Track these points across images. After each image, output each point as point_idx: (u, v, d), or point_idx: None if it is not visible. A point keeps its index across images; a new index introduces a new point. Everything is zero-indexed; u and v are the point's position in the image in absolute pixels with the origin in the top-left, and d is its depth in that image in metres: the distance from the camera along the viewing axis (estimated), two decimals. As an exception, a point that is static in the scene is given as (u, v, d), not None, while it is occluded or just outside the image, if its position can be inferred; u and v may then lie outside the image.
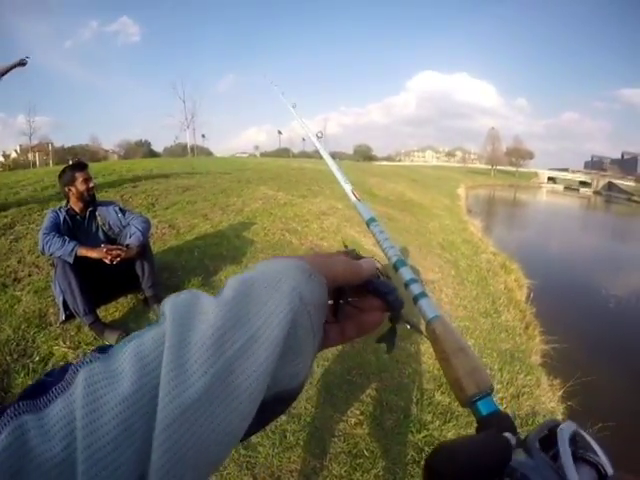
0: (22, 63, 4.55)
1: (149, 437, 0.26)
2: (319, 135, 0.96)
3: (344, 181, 0.75)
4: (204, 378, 0.27)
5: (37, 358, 2.57)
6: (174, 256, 4.12)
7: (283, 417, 2.52)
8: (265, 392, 0.31)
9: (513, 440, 0.35)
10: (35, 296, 3.14)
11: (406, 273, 0.50)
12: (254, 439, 2.34)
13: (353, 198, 0.70)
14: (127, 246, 3.02)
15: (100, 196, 5.56)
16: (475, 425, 0.38)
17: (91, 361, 0.29)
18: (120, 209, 3.32)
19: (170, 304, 0.32)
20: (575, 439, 0.34)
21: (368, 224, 0.64)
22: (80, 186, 3.07)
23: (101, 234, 3.19)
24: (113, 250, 2.84)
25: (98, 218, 3.20)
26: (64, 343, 2.70)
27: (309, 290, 0.34)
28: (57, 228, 2.91)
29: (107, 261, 2.79)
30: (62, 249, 2.72)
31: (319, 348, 0.39)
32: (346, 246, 0.58)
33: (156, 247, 4.21)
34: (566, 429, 0.34)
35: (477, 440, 0.36)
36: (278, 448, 2.30)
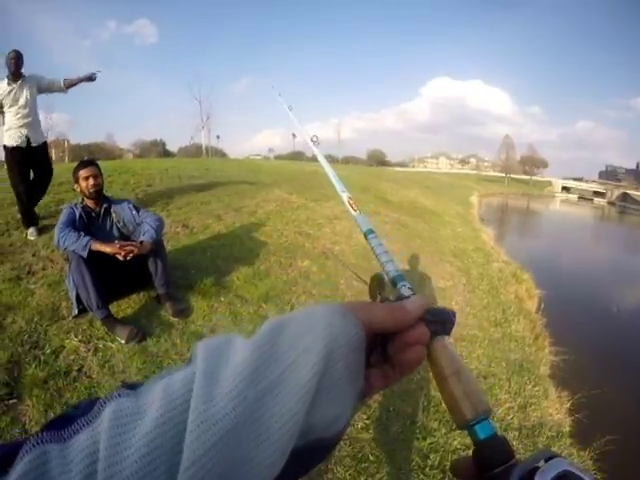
0: (92, 78, 4.61)
1: (174, 473, 0.25)
2: (314, 140, 0.95)
3: (341, 189, 0.73)
4: (233, 413, 0.27)
5: (48, 350, 2.62)
6: (187, 255, 4.17)
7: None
8: (299, 437, 0.30)
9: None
10: (49, 289, 3.21)
11: (404, 289, 0.49)
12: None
13: (350, 209, 0.69)
14: (141, 243, 3.10)
15: (114, 194, 5.66)
16: (472, 448, 0.38)
17: (119, 396, 0.30)
18: (134, 206, 3.43)
19: (203, 345, 0.32)
20: (567, 477, 0.33)
21: (366, 236, 0.63)
22: (82, 183, 3.22)
23: (115, 231, 3.29)
24: (127, 246, 2.91)
25: (113, 215, 3.31)
26: (76, 337, 2.76)
27: (344, 330, 0.33)
28: (73, 224, 3.01)
29: (120, 257, 2.86)
30: (76, 243, 2.81)
31: (361, 395, 0.37)
32: (380, 293, 0.54)
33: (169, 246, 4.27)
34: (550, 469, 0.33)
35: None
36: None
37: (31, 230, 4.24)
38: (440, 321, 0.43)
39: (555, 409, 3.45)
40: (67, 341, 2.72)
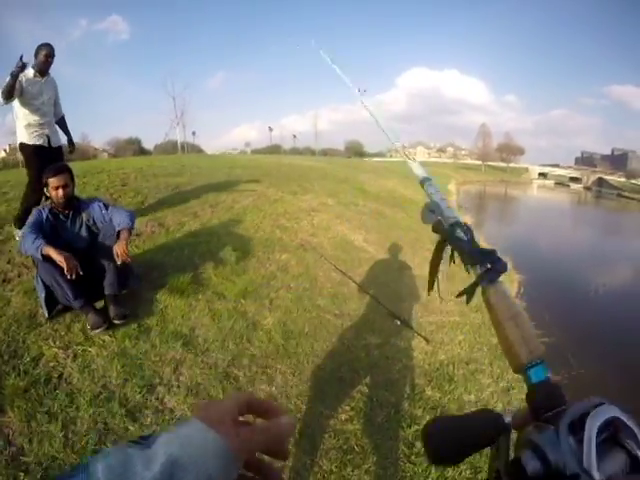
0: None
1: None
2: (360, 90, 0.99)
3: (394, 139, 0.76)
4: None
5: (28, 359, 2.54)
6: (164, 255, 4.09)
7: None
8: None
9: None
10: (25, 297, 3.10)
11: (462, 235, 0.54)
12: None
13: (406, 158, 0.73)
14: (118, 233, 3.07)
15: (88, 195, 5.52)
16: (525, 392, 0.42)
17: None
18: (104, 204, 3.35)
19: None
20: (615, 423, 0.34)
21: (422, 183, 0.67)
22: (52, 192, 3.10)
23: (85, 231, 3.23)
24: (71, 263, 2.70)
25: (83, 214, 3.25)
26: (54, 343, 2.68)
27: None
28: (39, 227, 2.94)
29: (65, 270, 2.69)
30: (32, 246, 2.73)
31: None
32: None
33: (146, 245, 4.19)
34: (600, 414, 0.34)
35: (465, 418, 0.38)
36: (268, 445, 2.30)
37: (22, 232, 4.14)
38: (495, 269, 0.47)
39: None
40: (46, 348, 2.64)
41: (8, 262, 3.63)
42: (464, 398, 3.10)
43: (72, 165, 3.47)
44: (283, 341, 3.24)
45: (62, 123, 4.48)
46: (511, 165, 72.35)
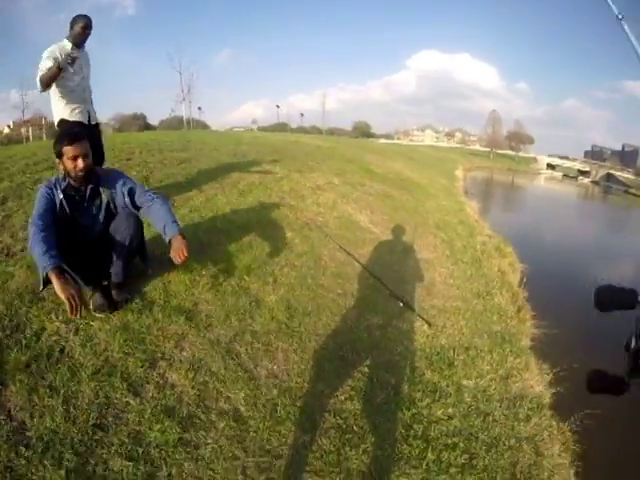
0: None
1: None
2: None
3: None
4: None
5: (30, 333, 2.52)
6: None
7: (274, 391, 2.54)
8: None
9: None
10: (28, 271, 3.06)
11: None
12: (245, 413, 2.35)
13: None
14: (169, 242, 2.74)
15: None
16: None
17: None
18: (129, 191, 2.87)
19: None
20: None
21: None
22: (68, 163, 2.63)
23: (103, 213, 2.84)
24: (75, 302, 2.23)
25: (103, 194, 2.81)
26: (56, 317, 2.65)
27: None
28: (51, 214, 2.59)
29: (68, 312, 2.28)
30: (39, 259, 2.32)
31: None
32: None
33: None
34: None
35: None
36: (268, 422, 2.32)
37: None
38: None
39: (536, 381, 3.51)
40: (48, 323, 2.63)
41: (11, 236, 3.59)
42: (463, 383, 3.11)
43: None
44: (286, 319, 3.24)
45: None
46: (520, 154, 71.53)
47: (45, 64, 3.63)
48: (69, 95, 3.85)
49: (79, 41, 3.85)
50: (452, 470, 2.32)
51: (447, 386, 3.02)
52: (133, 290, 3.06)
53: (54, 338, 2.52)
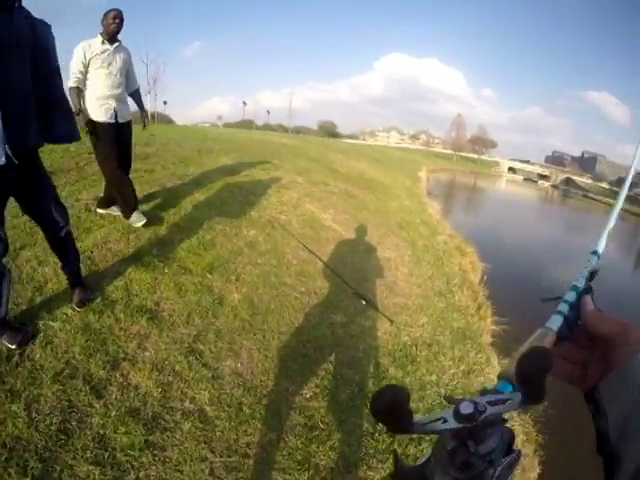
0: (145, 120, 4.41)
1: None
2: None
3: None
4: None
5: None
6: (129, 226, 3.97)
7: (239, 390, 2.53)
8: None
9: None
10: None
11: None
12: (210, 413, 2.33)
13: None
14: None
15: (52, 164, 5.29)
16: None
17: None
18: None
19: None
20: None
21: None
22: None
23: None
24: None
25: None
26: (14, 318, 2.53)
27: None
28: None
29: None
30: None
31: None
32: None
33: (112, 216, 4.06)
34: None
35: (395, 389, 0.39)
36: (234, 421, 2.31)
37: (134, 216, 3.96)
38: None
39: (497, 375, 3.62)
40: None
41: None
42: (425, 379, 3.19)
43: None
44: (249, 317, 3.23)
45: (136, 96, 4.16)
46: (482, 157, 73.56)
47: (77, 66, 3.58)
48: (95, 91, 3.70)
49: (112, 34, 3.68)
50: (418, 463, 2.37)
51: (411, 382, 3.09)
52: (94, 289, 2.98)
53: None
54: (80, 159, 5.74)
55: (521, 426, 3.15)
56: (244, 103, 70.30)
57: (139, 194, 4.71)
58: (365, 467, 2.29)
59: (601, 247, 0.63)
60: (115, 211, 4.07)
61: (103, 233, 3.71)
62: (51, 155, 5.68)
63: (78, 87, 3.62)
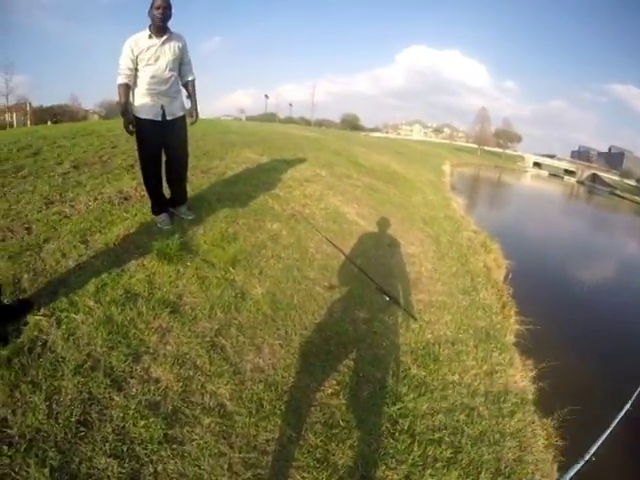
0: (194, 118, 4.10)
1: None
2: None
3: None
4: None
5: (11, 327, 2.42)
6: (152, 219, 3.99)
7: (260, 386, 2.51)
8: None
9: None
10: (9, 261, 2.97)
11: None
12: (230, 408, 2.32)
13: None
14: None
15: (77, 157, 5.37)
16: None
17: None
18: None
19: None
20: None
21: None
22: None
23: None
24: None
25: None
26: (38, 310, 2.57)
27: None
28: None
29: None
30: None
31: None
32: None
33: (135, 209, 4.08)
34: None
35: None
36: (254, 417, 2.29)
37: (162, 217, 3.94)
38: None
39: (520, 377, 3.55)
40: (30, 315, 2.54)
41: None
42: (448, 378, 3.13)
43: (61, 127, 3.30)
44: (272, 312, 3.21)
45: (189, 88, 3.92)
46: (507, 152, 72.15)
47: (124, 62, 3.46)
48: (141, 88, 3.58)
49: (159, 25, 3.50)
50: (438, 465, 2.33)
51: (432, 381, 3.03)
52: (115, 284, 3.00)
53: (36, 332, 2.44)
54: (104, 153, 5.80)
55: (543, 430, 3.07)
56: (266, 96, 70.44)
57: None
58: (384, 467, 2.25)
59: None
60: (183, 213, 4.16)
61: (126, 226, 3.74)
62: (75, 149, 5.77)
63: (126, 84, 3.49)
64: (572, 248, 12.72)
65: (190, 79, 3.89)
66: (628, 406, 2.80)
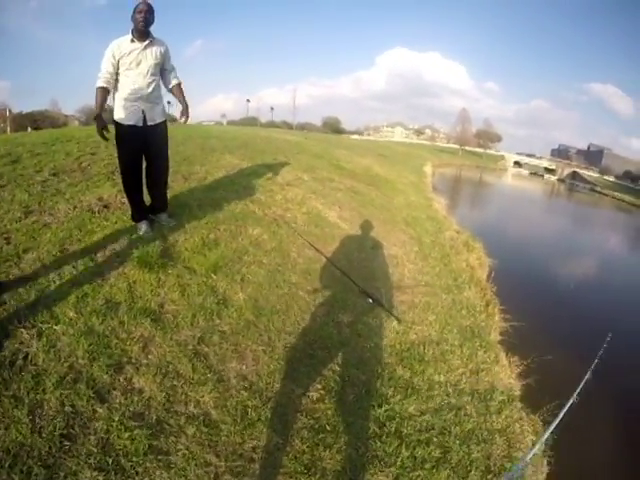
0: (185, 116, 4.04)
1: None
2: None
3: None
4: None
5: None
6: (132, 226, 3.94)
7: (244, 393, 2.49)
8: None
9: None
10: None
11: None
12: (215, 416, 2.30)
13: None
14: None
15: (57, 164, 5.28)
16: None
17: None
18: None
19: None
20: None
21: None
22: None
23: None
24: None
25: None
26: (19, 322, 2.50)
27: None
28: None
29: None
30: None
31: None
32: None
33: (114, 217, 4.03)
34: None
35: None
36: (239, 425, 2.27)
37: (142, 225, 3.87)
38: None
39: (506, 374, 3.59)
40: (10, 327, 2.48)
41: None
42: (434, 378, 3.14)
43: (41, 133, 3.24)
44: (254, 318, 3.19)
45: (176, 91, 3.90)
46: (488, 151, 73.07)
47: (105, 65, 3.45)
48: (122, 92, 3.55)
49: (141, 29, 3.47)
50: (427, 465, 2.34)
51: (419, 382, 3.04)
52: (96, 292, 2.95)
53: (17, 345, 2.38)
54: (83, 160, 5.72)
55: (530, 425, 3.10)
56: (248, 100, 70.40)
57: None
58: (373, 470, 2.26)
59: None
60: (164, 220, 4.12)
61: (107, 234, 3.68)
62: (54, 156, 5.68)
63: (104, 88, 3.46)
64: (554, 245, 12.92)
65: (175, 83, 3.88)
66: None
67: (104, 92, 3.47)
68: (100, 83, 3.44)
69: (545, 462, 2.91)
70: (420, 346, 3.49)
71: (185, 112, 3.94)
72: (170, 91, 3.90)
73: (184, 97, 3.93)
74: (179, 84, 3.90)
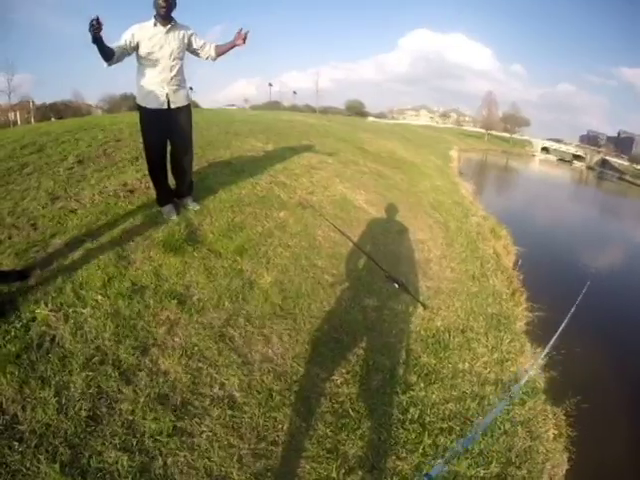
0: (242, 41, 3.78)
1: None
2: None
3: None
4: None
5: (19, 324, 2.42)
6: (158, 211, 3.96)
7: (269, 376, 2.50)
8: None
9: None
10: (16, 258, 2.98)
11: None
12: (240, 399, 2.31)
13: None
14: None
15: (81, 151, 5.35)
16: None
17: None
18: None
19: None
20: None
21: None
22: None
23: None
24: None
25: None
26: (46, 306, 2.56)
27: None
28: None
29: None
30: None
31: None
32: None
33: (140, 201, 4.06)
34: None
35: None
36: (264, 408, 2.28)
37: (167, 209, 3.91)
38: None
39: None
40: (38, 311, 2.53)
41: (-1, 223, 3.48)
42: (458, 367, 3.10)
43: (65, 122, 3.25)
44: (280, 301, 3.19)
45: (220, 48, 3.81)
46: (514, 136, 71.21)
47: (123, 36, 3.37)
48: (145, 75, 3.52)
49: (163, 13, 3.42)
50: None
51: (443, 369, 3.00)
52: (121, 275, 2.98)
53: (43, 327, 2.43)
54: (108, 146, 5.77)
55: (553, 418, 3.03)
56: (270, 85, 70.32)
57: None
58: (394, 457, 2.24)
59: None
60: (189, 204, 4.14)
61: (132, 219, 3.71)
62: (78, 144, 5.74)
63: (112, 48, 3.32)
64: (582, 234, 12.58)
65: (213, 47, 3.79)
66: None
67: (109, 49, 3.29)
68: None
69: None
70: (445, 333, 3.44)
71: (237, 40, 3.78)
72: (216, 56, 3.82)
73: (226, 45, 3.82)
74: (216, 45, 3.81)
